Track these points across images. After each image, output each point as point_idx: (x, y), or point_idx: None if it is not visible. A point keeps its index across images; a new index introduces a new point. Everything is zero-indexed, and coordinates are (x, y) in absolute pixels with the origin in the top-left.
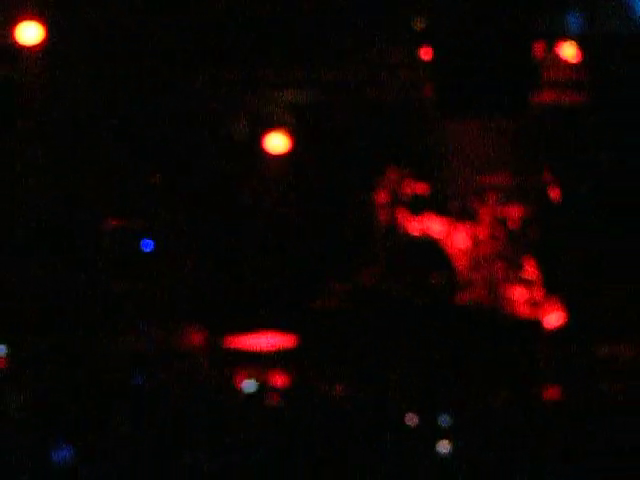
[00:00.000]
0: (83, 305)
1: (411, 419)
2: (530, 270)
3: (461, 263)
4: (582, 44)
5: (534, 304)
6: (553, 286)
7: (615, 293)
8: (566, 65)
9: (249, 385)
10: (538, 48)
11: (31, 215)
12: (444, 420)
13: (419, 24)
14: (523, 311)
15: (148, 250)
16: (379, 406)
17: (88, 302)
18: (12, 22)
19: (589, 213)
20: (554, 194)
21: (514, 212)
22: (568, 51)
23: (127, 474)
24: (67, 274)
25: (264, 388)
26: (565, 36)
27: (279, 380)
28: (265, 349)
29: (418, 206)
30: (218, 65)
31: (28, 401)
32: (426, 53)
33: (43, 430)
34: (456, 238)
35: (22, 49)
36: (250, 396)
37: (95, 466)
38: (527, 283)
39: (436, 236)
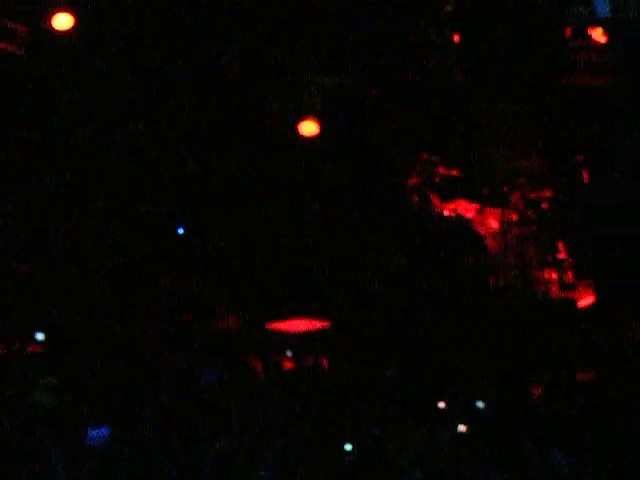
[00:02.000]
0: (119, 290)
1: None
2: (561, 252)
3: (493, 246)
4: (609, 28)
5: (565, 285)
6: (583, 267)
7: None
8: (595, 48)
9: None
10: (567, 32)
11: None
12: (477, 402)
13: (449, 7)
14: (554, 292)
15: (180, 233)
16: (409, 387)
17: (124, 286)
18: (46, 10)
19: (619, 196)
20: (584, 177)
21: (545, 195)
22: (596, 35)
23: (160, 454)
24: (102, 258)
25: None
26: (593, 20)
27: (312, 362)
28: (299, 332)
29: (450, 190)
30: (251, 51)
31: (64, 384)
32: (457, 37)
33: (78, 411)
34: (487, 221)
35: (56, 36)
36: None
37: (130, 446)
38: (558, 265)
39: (468, 220)
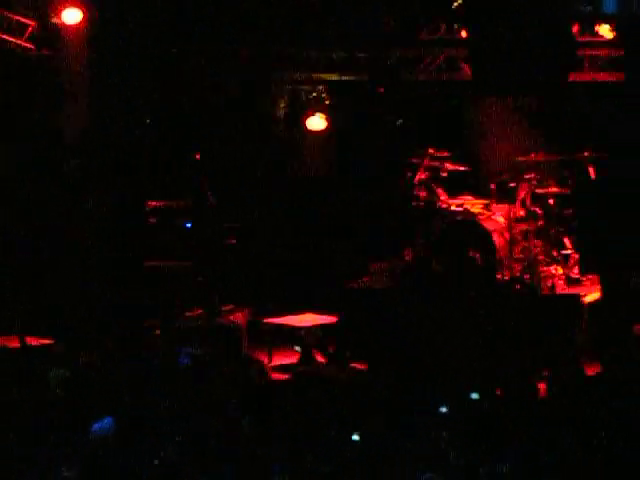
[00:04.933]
0: (127, 284)
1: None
2: (567, 247)
3: (499, 241)
4: (617, 24)
5: (571, 281)
6: (590, 263)
7: None
8: (602, 44)
9: None
10: (574, 28)
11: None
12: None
13: (456, 3)
14: (560, 288)
15: (188, 228)
16: (413, 384)
17: (132, 281)
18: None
19: (625, 191)
20: (591, 172)
21: (551, 191)
22: (604, 31)
23: (166, 443)
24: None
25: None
26: (601, 16)
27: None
28: (305, 327)
29: (457, 185)
30: (261, 44)
31: (71, 376)
32: (463, 32)
33: (84, 403)
34: (494, 217)
35: (66, 30)
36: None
37: (134, 436)
38: (564, 260)
39: (475, 215)
